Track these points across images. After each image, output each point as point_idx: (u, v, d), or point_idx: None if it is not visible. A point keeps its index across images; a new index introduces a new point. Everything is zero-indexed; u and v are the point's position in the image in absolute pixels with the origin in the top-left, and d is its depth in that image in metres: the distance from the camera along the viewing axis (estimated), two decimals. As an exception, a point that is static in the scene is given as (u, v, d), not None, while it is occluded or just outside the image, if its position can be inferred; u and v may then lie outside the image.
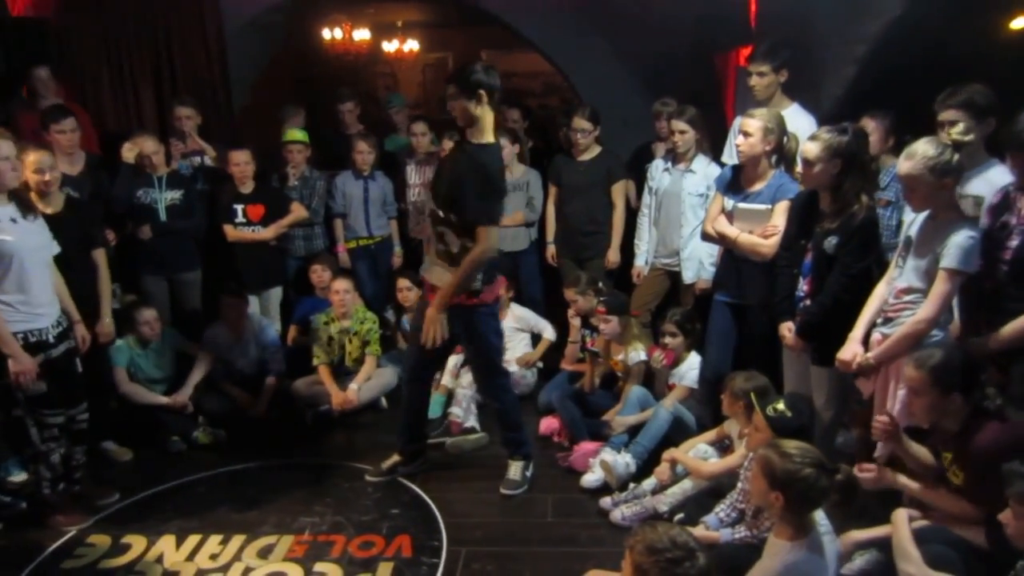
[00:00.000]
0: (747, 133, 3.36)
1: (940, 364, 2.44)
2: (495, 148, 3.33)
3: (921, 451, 2.67)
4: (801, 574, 2.16)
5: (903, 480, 2.62)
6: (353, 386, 4.48)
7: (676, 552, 1.93)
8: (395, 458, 3.78)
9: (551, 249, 4.99)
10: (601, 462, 3.58)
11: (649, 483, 3.39)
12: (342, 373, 4.62)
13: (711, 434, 3.44)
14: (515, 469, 3.65)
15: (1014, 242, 2.61)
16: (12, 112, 4.76)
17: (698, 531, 2.86)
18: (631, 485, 3.46)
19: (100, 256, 3.81)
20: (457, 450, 4.08)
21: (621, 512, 3.30)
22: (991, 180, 2.88)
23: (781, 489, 2.19)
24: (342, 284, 4.61)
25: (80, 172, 4.37)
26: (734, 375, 3.21)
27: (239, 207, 4.83)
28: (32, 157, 3.45)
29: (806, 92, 3.98)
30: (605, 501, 3.42)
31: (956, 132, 2.81)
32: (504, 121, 5.53)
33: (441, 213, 3.33)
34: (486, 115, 3.25)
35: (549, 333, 4.81)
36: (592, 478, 3.60)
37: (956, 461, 2.48)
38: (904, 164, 2.67)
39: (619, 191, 4.73)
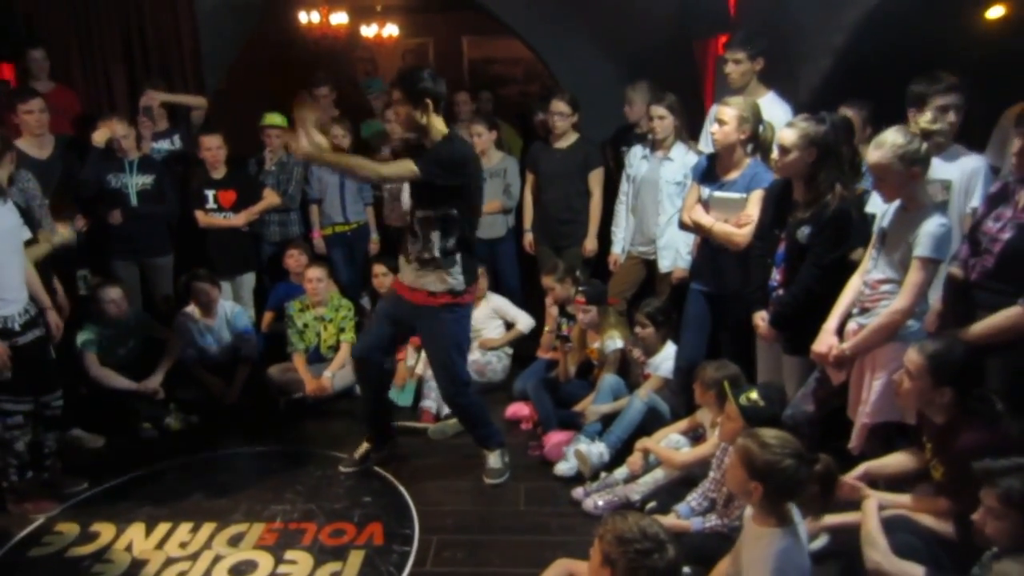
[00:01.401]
0: (722, 121, 3.35)
1: (939, 354, 2.41)
2: (452, 135, 3.28)
3: (893, 462, 2.67)
4: (791, 560, 2.15)
5: (885, 498, 2.57)
6: (327, 373, 4.45)
7: (645, 543, 1.92)
8: (365, 445, 3.76)
9: (528, 237, 4.96)
10: (576, 451, 3.58)
11: (621, 472, 3.39)
12: (317, 360, 4.58)
13: (683, 423, 3.45)
14: (493, 458, 3.63)
15: (1006, 235, 2.58)
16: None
17: (669, 520, 2.87)
18: (603, 474, 3.46)
19: (42, 235, 3.71)
20: (441, 436, 4.06)
21: (593, 501, 3.30)
22: (958, 165, 2.92)
23: (761, 480, 2.16)
24: (316, 272, 4.57)
25: (49, 156, 4.28)
26: (705, 364, 3.21)
27: (210, 192, 4.78)
28: None
29: (783, 81, 3.97)
30: (577, 491, 3.41)
31: (925, 121, 2.81)
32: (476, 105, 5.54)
33: (419, 212, 3.30)
34: (433, 122, 3.20)
35: (523, 325, 4.71)
36: (565, 466, 3.60)
37: (937, 455, 2.48)
38: (873, 154, 2.66)
39: (596, 179, 4.71)
